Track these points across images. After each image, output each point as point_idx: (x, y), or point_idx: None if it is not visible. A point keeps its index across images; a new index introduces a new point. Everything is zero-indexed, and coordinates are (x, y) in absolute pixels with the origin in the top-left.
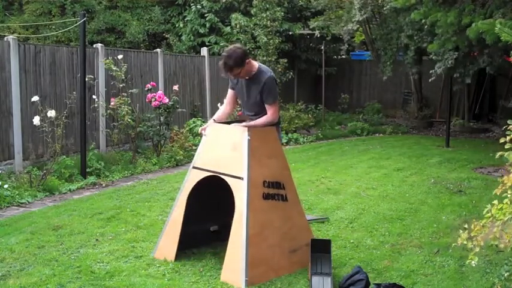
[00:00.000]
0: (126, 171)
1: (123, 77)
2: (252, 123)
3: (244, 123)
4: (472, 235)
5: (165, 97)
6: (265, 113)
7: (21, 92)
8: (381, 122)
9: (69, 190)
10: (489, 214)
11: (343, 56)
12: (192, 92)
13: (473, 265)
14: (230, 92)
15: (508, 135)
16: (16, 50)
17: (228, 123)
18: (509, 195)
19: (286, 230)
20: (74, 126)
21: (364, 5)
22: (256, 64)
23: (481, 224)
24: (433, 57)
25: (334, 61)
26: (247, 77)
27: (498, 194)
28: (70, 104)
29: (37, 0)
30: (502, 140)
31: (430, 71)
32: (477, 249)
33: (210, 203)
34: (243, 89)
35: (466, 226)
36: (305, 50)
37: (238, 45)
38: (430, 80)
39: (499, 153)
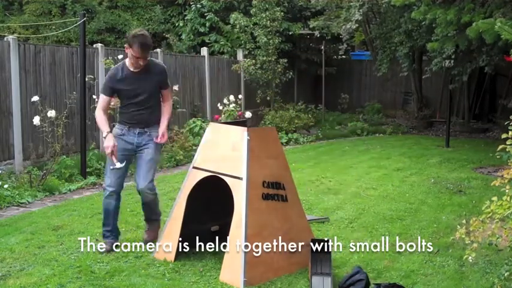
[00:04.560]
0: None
1: None
2: (165, 121)
3: (161, 129)
4: (471, 229)
5: None
6: (159, 102)
7: (21, 92)
8: (381, 122)
9: (69, 190)
10: (488, 210)
11: (343, 56)
12: (192, 92)
13: (471, 261)
14: (106, 98)
15: (511, 130)
16: (16, 50)
17: (229, 123)
18: (507, 190)
19: (286, 231)
20: (74, 126)
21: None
22: None
23: (480, 219)
24: (431, 55)
25: (334, 61)
26: (139, 68)
27: (497, 185)
28: (70, 104)
29: (37, 0)
30: (503, 136)
31: (425, 68)
32: (475, 245)
33: (210, 203)
34: (132, 85)
35: (464, 221)
36: (305, 50)
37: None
38: (423, 77)
39: (500, 147)
